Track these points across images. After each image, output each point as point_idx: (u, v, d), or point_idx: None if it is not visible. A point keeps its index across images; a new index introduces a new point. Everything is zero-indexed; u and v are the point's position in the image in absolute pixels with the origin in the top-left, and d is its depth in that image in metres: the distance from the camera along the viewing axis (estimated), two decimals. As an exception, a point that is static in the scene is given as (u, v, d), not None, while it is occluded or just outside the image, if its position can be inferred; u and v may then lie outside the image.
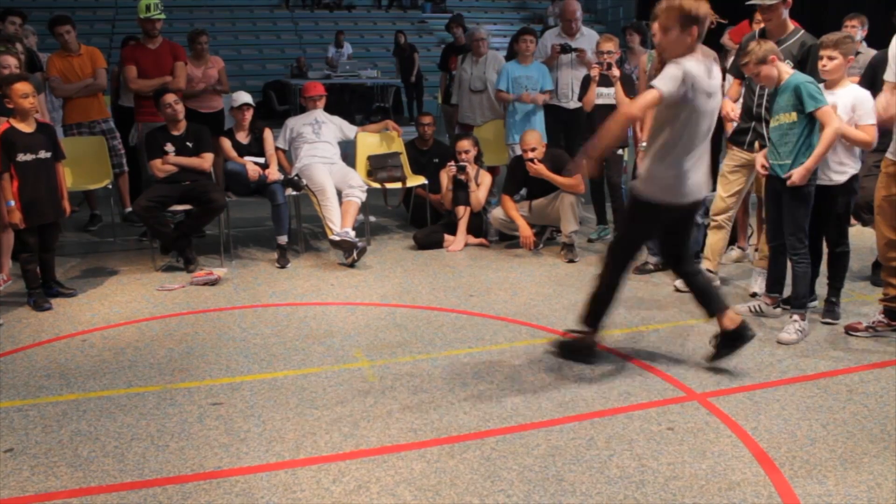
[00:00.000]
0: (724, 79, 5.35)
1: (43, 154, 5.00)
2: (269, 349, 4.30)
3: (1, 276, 5.36)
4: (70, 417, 3.53)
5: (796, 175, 4.17)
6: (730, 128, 5.27)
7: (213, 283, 5.51)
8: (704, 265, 5.16)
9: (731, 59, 5.65)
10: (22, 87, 4.84)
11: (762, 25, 4.91)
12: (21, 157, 4.88)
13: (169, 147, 5.92)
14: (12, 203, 4.85)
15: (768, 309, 4.68)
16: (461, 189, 6.48)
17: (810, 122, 4.18)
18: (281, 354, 4.23)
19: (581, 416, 3.47)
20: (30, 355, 4.29)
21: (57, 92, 6.86)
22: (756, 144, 4.79)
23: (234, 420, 3.48)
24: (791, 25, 4.67)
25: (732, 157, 4.96)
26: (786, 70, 4.26)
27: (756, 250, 5.37)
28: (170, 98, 5.94)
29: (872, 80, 4.97)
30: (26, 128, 4.93)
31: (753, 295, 4.97)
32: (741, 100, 4.98)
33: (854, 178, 4.44)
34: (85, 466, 3.11)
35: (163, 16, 6.72)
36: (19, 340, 4.50)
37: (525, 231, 6.13)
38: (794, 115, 4.19)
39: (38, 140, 4.99)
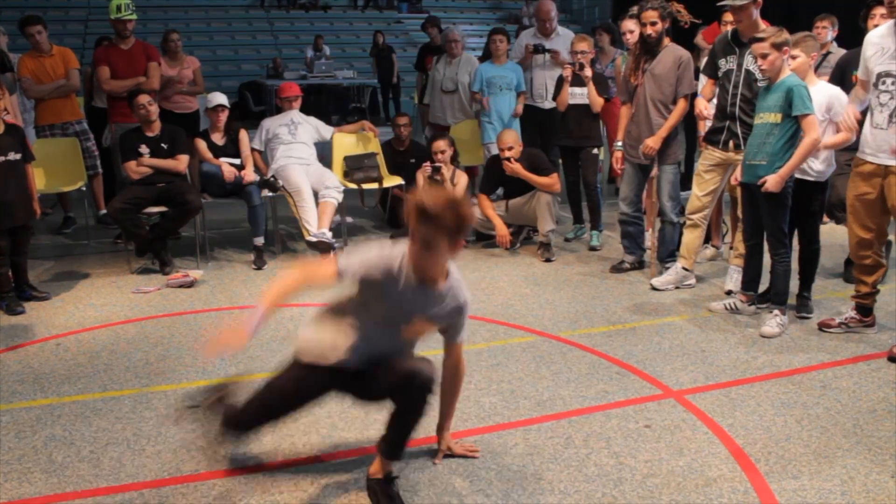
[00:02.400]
0: (696, 78, 5.40)
1: (12, 156, 4.94)
2: (247, 351, 4.27)
3: (-28, 280, 5.30)
4: (44, 422, 3.49)
5: (771, 183, 4.20)
6: (703, 127, 5.32)
7: (189, 285, 5.47)
8: (680, 263, 5.21)
9: (703, 60, 5.70)
10: None
11: (733, 26, 4.96)
12: (-10, 159, 4.83)
13: (143, 149, 5.86)
14: (-18, 206, 4.79)
15: (743, 306, 4.73)
16: (438, 189, 6.48)
17: (793, 127, 4.20)
18: (258, 356, 4.20)
19: (559, 415, 3.49)
20: (2, 360, 4.23)
21: (29, 93, 6.77)
22: (731, 143, 4.83)
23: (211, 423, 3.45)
24: (762, 25, 4.72)
25: (707, 157, 5.00)
26: (786, 69, 4.28)
27: (731, 248, 5.42)
28: (143, 99, 5.88)
29: (841, 79, 5.05)
30: (-5, 129, 4.88)
31: (728, 292, 5.02)
32: (715, 99, 5.03)
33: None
34: (60, 472, 3.08)
35: (134, 16, 6.65)
36: (-8, 345, 4.45)
37: (501, 230, 6.14)
38: (778, 117, 4.20)
39: (7, 142, 4.92)
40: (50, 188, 6.61)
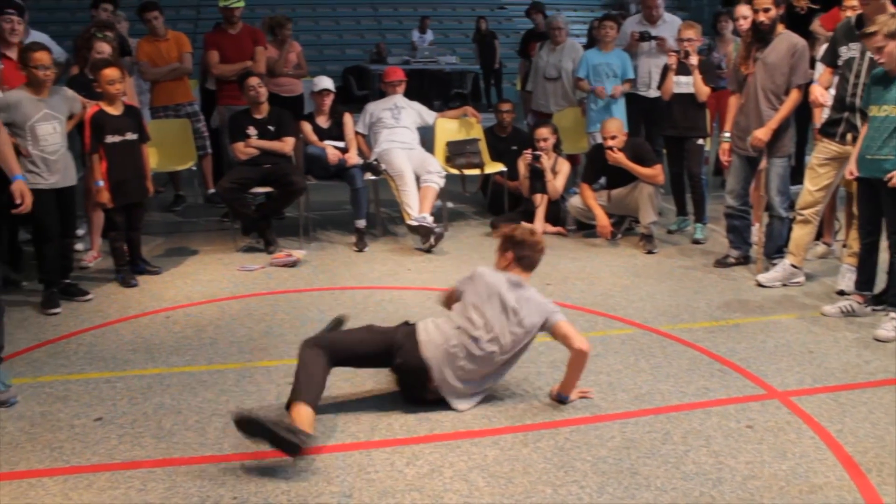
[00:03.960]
0: (812, 67, 5.17)
1: (130, 136, 5.15)
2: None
3: (91, 253, 5.59)
4: (154, 390, 3.65)
5: None
6: (819, 116, 5.09)
7: (292, 264, 5.60)
8: (788, 260, 5.02)
9: (821, 48, 5.45)
10: (109, 73, 4.99)
11: (858, 11, 4.71)
12: (110, 139, 5.05)
13: (251, 130, 6.02)
14: (101, 183, 5.02)
15: (860, 308, 4.51)
16: (538, 177, 6.43)
17: None
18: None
19: (657, 410, 3.42)
20: (117, 329, 4.44)
21: (145, 76, 7.06)
22: (849, 136, 4.61)
23: (310, 400, 3.53)
24: (891, 9, 4.46)
25: (822, 150, 4.78)
26: None
27: (844, 246, 5.19)
28: (254, 81, 6.04)
29: None
30: (114, 110, 5.09)
31: (840, 292, 4.79)
32: (832, 89, 4.80)
33: None
34: (168, 438, 3.21)
35: (241, 3, 6.88)
36: (108, 315, 4.66)
37: (602, 220, 6.05)
38: None
39: (126, 122, 5.14)
40: (162, 167, 6.88)
